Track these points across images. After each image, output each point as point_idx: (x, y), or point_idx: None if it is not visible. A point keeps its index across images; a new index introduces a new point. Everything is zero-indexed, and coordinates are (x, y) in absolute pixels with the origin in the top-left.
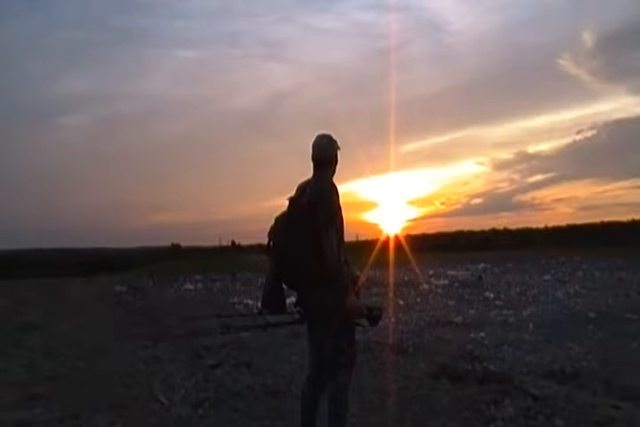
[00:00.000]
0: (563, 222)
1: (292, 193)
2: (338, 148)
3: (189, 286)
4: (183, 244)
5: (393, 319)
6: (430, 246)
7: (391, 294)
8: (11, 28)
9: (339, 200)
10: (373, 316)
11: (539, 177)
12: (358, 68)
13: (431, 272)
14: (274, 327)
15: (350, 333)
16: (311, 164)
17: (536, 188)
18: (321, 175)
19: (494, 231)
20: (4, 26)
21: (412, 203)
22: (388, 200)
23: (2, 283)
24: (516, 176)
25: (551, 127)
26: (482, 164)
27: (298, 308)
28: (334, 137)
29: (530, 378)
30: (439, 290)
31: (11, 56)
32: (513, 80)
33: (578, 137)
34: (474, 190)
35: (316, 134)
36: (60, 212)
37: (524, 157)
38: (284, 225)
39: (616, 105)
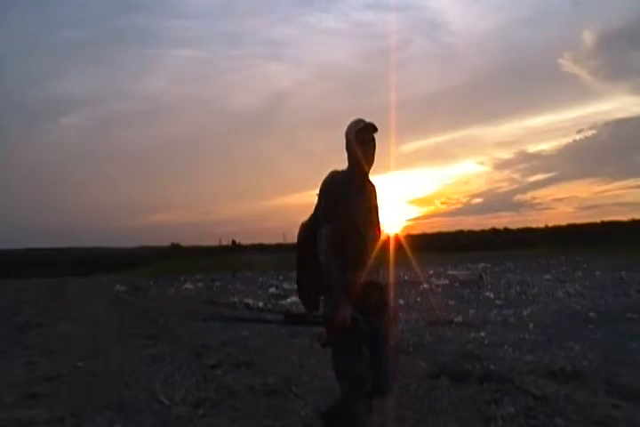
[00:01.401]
0: (563, 222)
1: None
2: (352, 131)
3: (189, 285)
4: (183, 243)
5: None
6: (431, 246)
7: (391, 294)
8: (11, 28)
9: (334, 191)
10: (359, 330)
11: (539, 176)
12: (358, 68)
13: (431, 272)
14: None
15: (343, 344)
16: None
17: (536, 187)
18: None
19: (495, 231)
20: (4, 26)
21: (412, 202)
22: (388, 199)
23: (2, 283)
24: (517, 176)
25: (551, 127)
26: (482, 163)
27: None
28: (357, 120)
29: (530, 377)
30: (439, 289)
31: (11, 56)
32: (513, 80)
33: (578, 137)
34: (474, 190)
35: None
36: (59, 212)
37: (525, 157)
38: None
39: (616, 105)
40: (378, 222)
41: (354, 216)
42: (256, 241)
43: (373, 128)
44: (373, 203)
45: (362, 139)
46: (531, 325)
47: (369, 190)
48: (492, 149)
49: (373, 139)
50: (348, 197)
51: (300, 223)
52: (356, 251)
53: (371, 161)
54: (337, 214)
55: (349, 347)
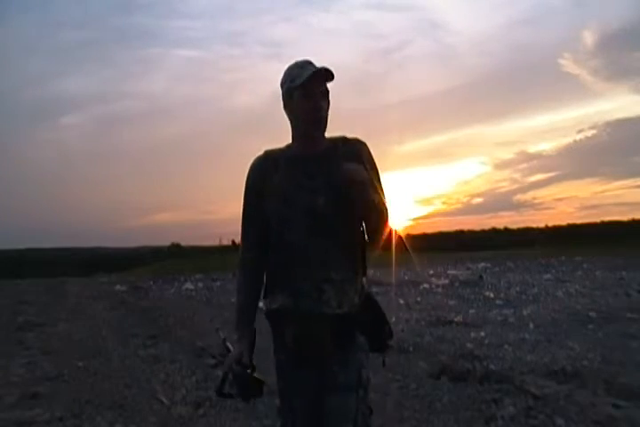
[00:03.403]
0: (563, 222)
1: None
2: (295, 80)
3: (190, 285)
4: (183, 243)
5: (393, 319)
6: (431, 246)
7: (392, 294)
8: (11, 28)
9: (250, 187)
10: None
11: (539, 176)
12: (359, 68)
13: (431, 271)
14: None
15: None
16: None
17: (537, 187)
18: None
19: (495, 231)
20: (4, 26)
21: (412, 202)
22: (388, 199)
23: (2, 283)
24: (517, 175)
25: (552, 127)
26: (483, 163)
27: None
28: (300, 64)
29: (530, 377)
30: (439, 289)
31: (11, 56)
32: (514, 80)
33: (578, 136)
34: (475, 190)
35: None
36: (60, 212)
37: (525, 157)
38: None
39: (617, 104)
40: (350, 213)
41: (276, 211)
42: None
43: (328, 74)
44: (340, 183)
45: (309, 90)
46: (531, 324)
47: (331, 166)
48: (492, 148)
49: (327, 91)
50: (268, 186)
51: None
52: (281, 263)
53: (321, 122)
54: (253, 214)
55: (283, 396)
